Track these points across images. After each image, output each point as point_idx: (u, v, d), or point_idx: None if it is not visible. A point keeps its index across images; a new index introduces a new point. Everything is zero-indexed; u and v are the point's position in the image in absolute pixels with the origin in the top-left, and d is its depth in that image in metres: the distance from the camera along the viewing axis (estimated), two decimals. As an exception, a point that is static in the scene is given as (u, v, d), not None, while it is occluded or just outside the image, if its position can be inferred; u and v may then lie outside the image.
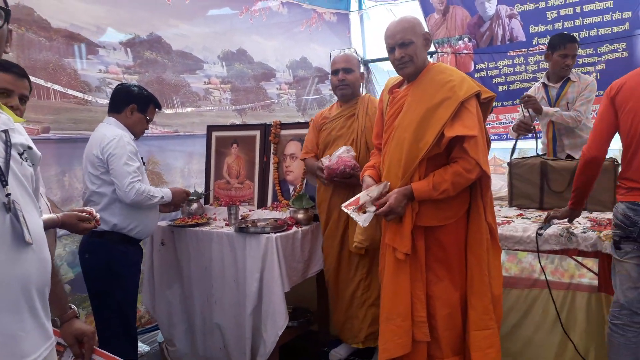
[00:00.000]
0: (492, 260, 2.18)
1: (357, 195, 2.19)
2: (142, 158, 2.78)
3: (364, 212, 2.14)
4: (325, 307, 3.15)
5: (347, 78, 2.85)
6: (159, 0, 3.71)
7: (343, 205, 2.20)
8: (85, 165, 2.57)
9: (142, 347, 3.30)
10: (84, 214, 2.00)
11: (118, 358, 1.56)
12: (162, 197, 2.63)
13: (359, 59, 2.98)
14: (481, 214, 2.15)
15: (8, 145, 1.18)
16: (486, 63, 4.92)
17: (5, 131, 1.20)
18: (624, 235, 2.11)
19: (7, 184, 1.12)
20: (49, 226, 1.93)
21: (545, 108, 3.28)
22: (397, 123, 2.18)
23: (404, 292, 2.14)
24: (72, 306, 1.55)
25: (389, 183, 2.19)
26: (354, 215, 2.15)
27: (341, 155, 2.68)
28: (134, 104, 2.62)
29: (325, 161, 2.73)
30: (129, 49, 3.51)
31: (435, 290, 2.17)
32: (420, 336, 2.14)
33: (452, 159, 2.09)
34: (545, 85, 3.48)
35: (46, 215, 1.93)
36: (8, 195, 1.12)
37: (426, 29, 5.21)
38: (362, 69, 3.00)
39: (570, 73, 3.38)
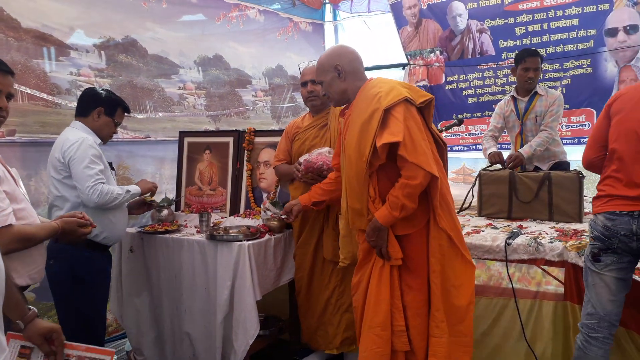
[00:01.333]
0: (457, 268, 2.16)
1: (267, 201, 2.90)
2: (111, 163, 2.73)
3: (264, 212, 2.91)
4: (297, 316, 3.13)
5: (315, 89, 2.85)
6: (135, 3, 3.67)
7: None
8: (48, 170, 2.52)
9: (109, 357, 3.21)
10: (82, 220, 1.92)
11: (89, 346, 1.56)
12: (129, 191, 2.57)
13: None
14: (431, 220, 2.15)
15: None
16: (457, 76, 5.02)
17: None
18: (603, 247, 2.09)
19: None
20: (51, 236, 1.84)
21: (526, 152, 3.35)
22: (345, 142, 2.25)
23: (384, 302, 2.15)
24: (32, 307, 1.50)
25: (281, 215, 2.73)
26: (262, 208, 2.95)
27: (322, 152, 2.70)
28: (100, 107, 2.57)
29: (305, 156, 2.75)
30: (102, 52, 3.45)
31: (407, 300, 2.18)
32: (399, 346, 2.15)
33: (400, 169, 2.09)
34: (514, 99, 3.58)
35: (46, 224, 1.84)
36: None
37: (400, 41, 5.28)
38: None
39: (538, 87, 3.49)
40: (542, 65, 3.52)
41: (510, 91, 3.67)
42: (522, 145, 3.52)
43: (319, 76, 2.29)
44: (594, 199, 2.20)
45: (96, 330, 2.56)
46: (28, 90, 2.98)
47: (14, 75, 1.88)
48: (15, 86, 2.91)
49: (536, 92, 3.48)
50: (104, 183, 2.45)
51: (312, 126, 2.92)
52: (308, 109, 3.02)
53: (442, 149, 2.24)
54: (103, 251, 2.60)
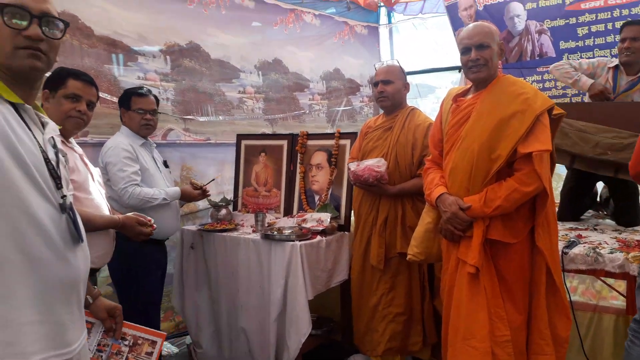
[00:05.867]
0: (550, 296, 2.09)
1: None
2: (165, 162, 2.88)
3: None
4: (348, 318, 3.17)
5: (385, 90, 2.85)
6: (197, 9, 3.81)
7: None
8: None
9: (171, 348, 3.38)
10: (143, 219, 2.13)
11: (144, 327, 1.69)
12: (165, 199, 2.70)
13: (402, 69, 2.97)
14: (535, 235, 2.07)
15: (56, 150, 1.27)
16: (515, 78, 4.91)
17: (53, 136, 1.28)
18: None
19: (62, 187, 1.21)
20: (110, 226, 2.08)
21: None
22: (465, 132, 2.12)
23: (481, 311, 2.03)
24: (96, 287, 1.70)
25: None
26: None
27: (370, 164, 2.73)
28: (121, 107, 2.80)
29: (353, 166, 2.79)
30: (168, 57, 3.61)
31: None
32: (504, 357, 2.03)
33: (514, 170, 2.03)
34: (616, 69, 3.21)
35: (109, 216, 2.06)
36: (64, 197, 1.20)
37: (455, 43, 5.20)
38: (405, 79, 2.96)
39: None
40: None
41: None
42: None
43: (490, 39, 2.13)
44: None
45: (150, 319, 2.70)
46: (100, 94, 3.17)
47: (97, 88, 2.16)
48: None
49: None
50: (136, 184, 2.59)
51: (380, 127, 2.93)
52: (366, 111, 3.05)
53: (552, 165, 2.18)
54: (155, 245, 2.74)
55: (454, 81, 5.26)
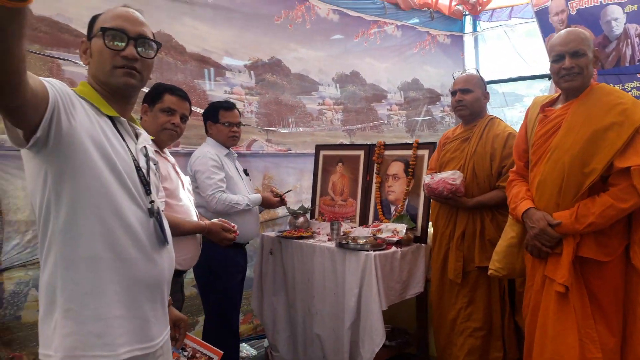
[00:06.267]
0: None
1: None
2: (245, 170, 3.01)
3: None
4: (424, 330, 3.12)
5: (464, 99, 2.81)
6: (281, 25, 3.99)
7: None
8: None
9: (250, 351, 3.52)
10: (227, 225, 2.25)
11: (204, 342, 1.75)
12: (248, 205, 2.82)
13: (482, 78, 2.94)
14: (631, 253, 1.95)
15: (148, 158, 1.40)
16: (612, 85, 4.58)
17: (145, 146, 1.41)
18: None
19: (150, 192, 1.33)
20: (197, 231, 2.21)
21: None
22: (555, 144, 2.04)
23: (570, 332, 1.94)
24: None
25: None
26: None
27: (444, 177, 2.69)
28: (208, 121, 2.94)
29: (427, 179, 2.77)
30: (252, 72, 3.82)
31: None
32: None
33: (609, 185, 1.94)
34: None
35: (196, 222, 2.20)
36: (152, 202, 1.32)
37: (546, 50, 4.98)
38: (485, 88, 2.93)
39: None
40: None
41: None
42: None
43: (586, 47, 2.05)
44: None
45: (230, 321, 2.84)
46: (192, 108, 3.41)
47: (190, 103, 2.33)
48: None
49: None
50: (223, 191, 2.73)
51: (457, 138, 2.89)
52: (447, 120, 3.01)
53: None
54: (237, 248, 2.87)
55: (543, 89, 5.03)
